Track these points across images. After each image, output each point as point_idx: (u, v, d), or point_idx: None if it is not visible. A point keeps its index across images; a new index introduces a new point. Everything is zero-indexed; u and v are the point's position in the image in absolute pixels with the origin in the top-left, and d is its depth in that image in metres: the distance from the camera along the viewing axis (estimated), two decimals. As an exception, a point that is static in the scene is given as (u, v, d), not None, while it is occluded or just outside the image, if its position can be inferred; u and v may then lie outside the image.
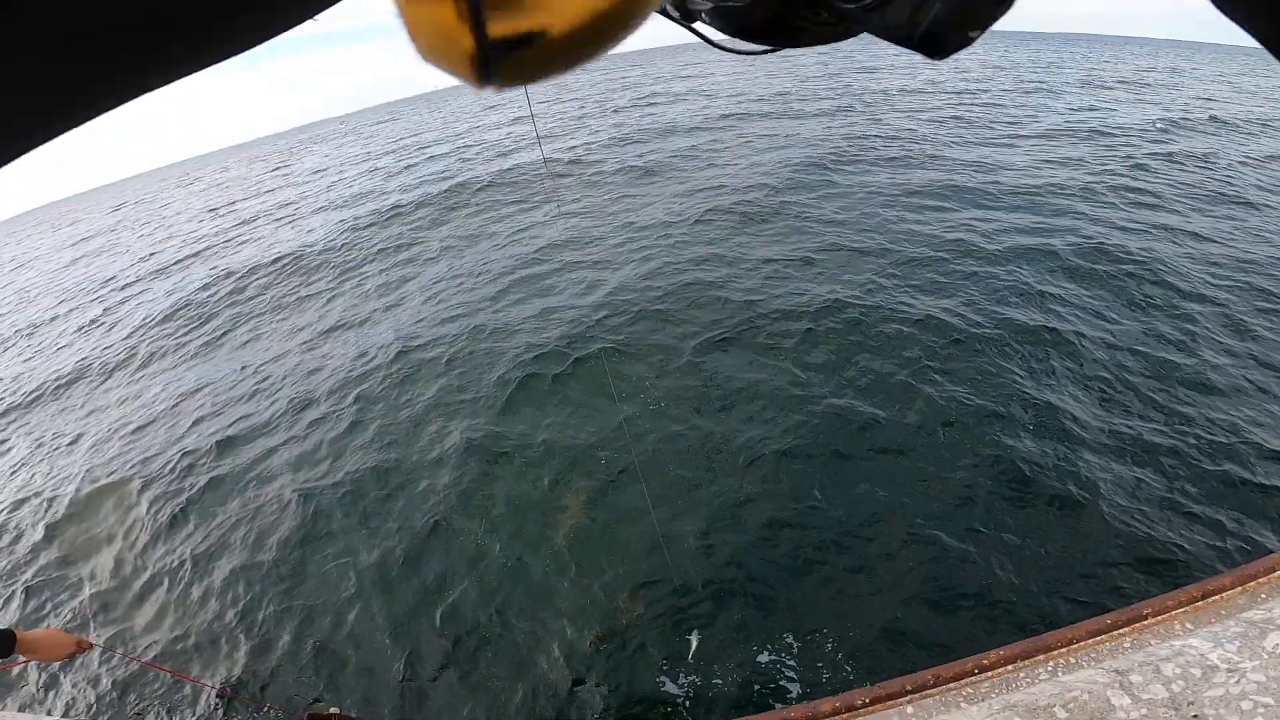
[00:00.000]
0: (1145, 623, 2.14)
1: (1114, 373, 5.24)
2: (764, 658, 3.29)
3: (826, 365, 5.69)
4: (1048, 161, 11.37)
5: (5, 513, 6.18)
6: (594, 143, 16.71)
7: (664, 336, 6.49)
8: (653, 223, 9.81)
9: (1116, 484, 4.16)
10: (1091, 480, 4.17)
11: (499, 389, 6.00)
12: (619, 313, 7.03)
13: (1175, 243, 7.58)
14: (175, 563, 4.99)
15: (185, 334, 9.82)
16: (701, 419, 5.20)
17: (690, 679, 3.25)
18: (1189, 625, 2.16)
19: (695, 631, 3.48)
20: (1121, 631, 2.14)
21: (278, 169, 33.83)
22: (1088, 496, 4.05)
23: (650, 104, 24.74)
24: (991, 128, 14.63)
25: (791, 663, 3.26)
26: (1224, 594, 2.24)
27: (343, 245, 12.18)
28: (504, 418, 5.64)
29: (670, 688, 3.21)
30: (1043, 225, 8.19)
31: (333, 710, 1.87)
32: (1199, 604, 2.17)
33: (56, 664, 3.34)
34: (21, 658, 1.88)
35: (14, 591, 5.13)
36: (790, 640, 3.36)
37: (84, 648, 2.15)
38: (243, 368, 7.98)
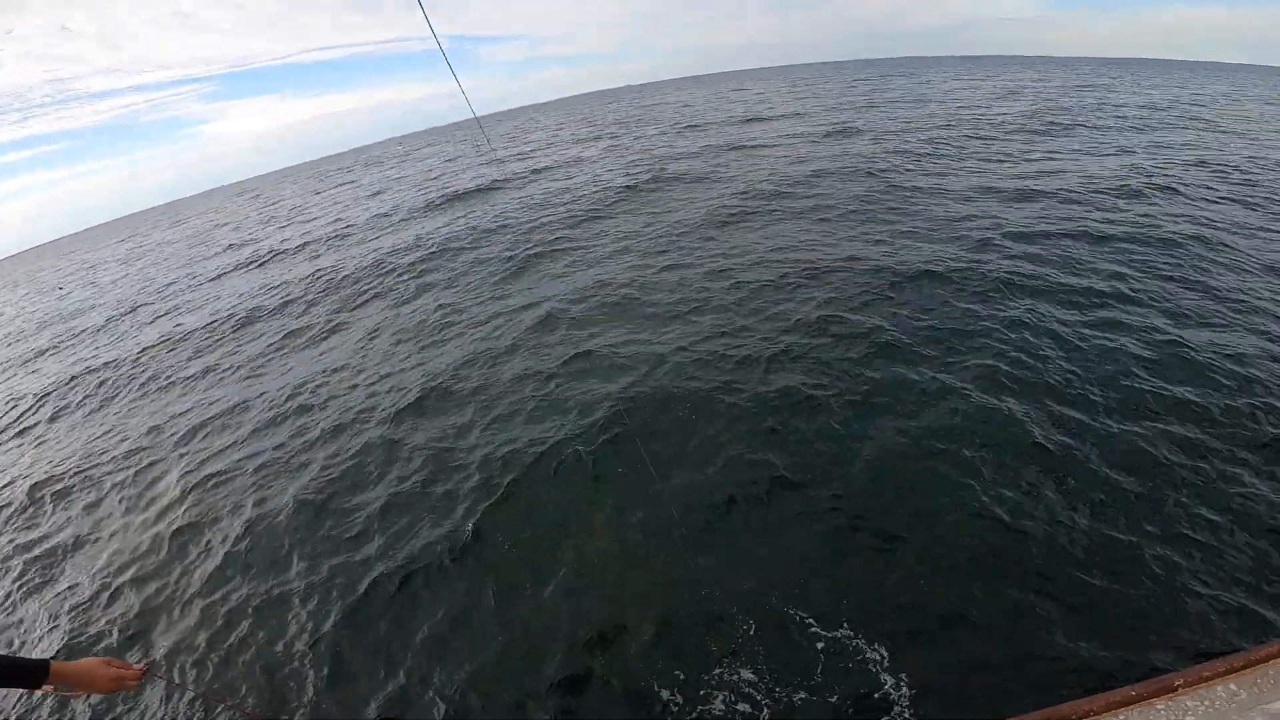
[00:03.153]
0: (1176, 694, 1.88)
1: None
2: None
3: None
4: None
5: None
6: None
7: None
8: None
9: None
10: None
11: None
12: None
13: None
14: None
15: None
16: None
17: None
18: (1233, 687, 1.89)
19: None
20: (1154, 700, 1.88)
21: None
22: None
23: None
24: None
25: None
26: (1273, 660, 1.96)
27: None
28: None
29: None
30: None
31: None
32: (1240, 672, 1.90)
33: (104, 695, 3.23)
34: (50, 689, 1.85)
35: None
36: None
37: (132, 679, 2.01)
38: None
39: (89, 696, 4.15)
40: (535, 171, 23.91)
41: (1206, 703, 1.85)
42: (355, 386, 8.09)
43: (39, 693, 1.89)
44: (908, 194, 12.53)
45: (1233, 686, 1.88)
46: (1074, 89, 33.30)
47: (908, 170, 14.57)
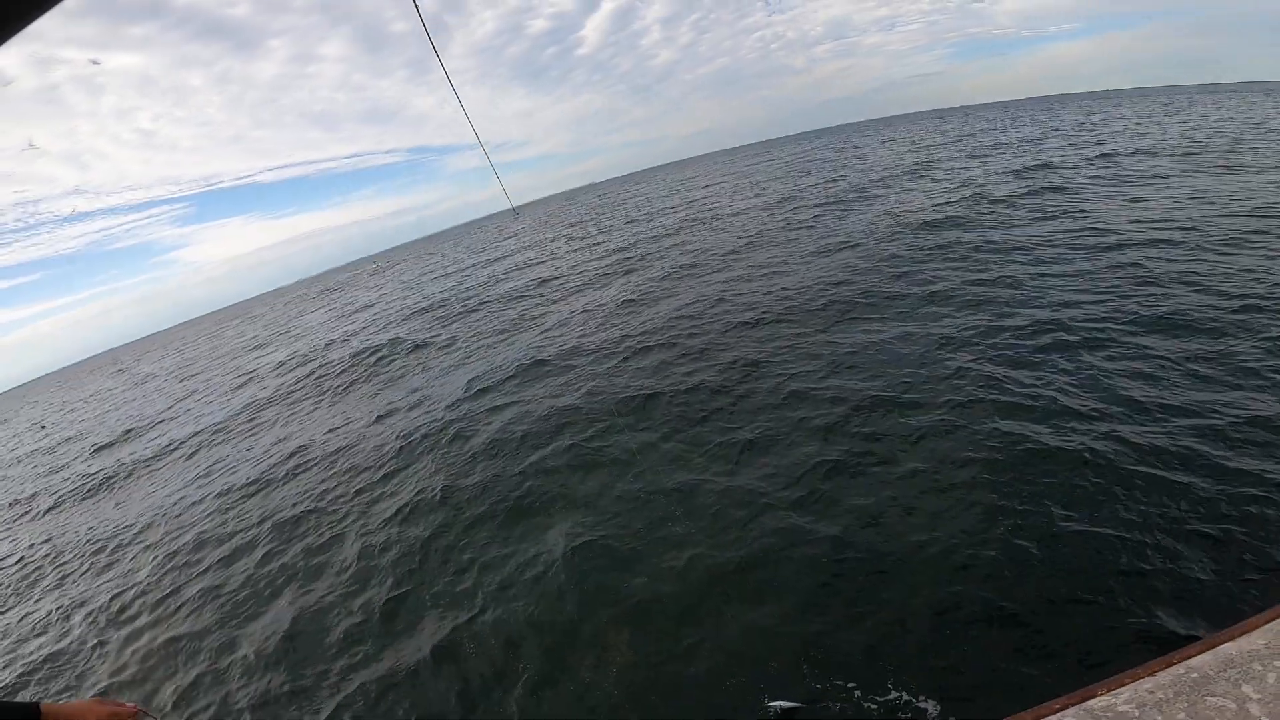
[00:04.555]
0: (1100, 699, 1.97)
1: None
2: None
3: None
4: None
5: None
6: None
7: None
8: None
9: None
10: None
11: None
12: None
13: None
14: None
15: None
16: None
17: None
18: (1154, 691, 1.98)
19: None
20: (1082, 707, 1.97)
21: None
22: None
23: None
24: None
25: None
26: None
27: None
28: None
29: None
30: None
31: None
32: (1157, 674, 2.00)
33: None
34: None
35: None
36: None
37: (126, 716, 1.88)
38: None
39: None
40: (506, 272, 25.05)
41: (1129, 707, 1.95)
42: (348, 497, 8.23)
43: None
44: (840, 244, 14.24)
45: (1152, 690, 1.99)
46: (973, 133, 37.65)
47: (840, 227, 16.17)
